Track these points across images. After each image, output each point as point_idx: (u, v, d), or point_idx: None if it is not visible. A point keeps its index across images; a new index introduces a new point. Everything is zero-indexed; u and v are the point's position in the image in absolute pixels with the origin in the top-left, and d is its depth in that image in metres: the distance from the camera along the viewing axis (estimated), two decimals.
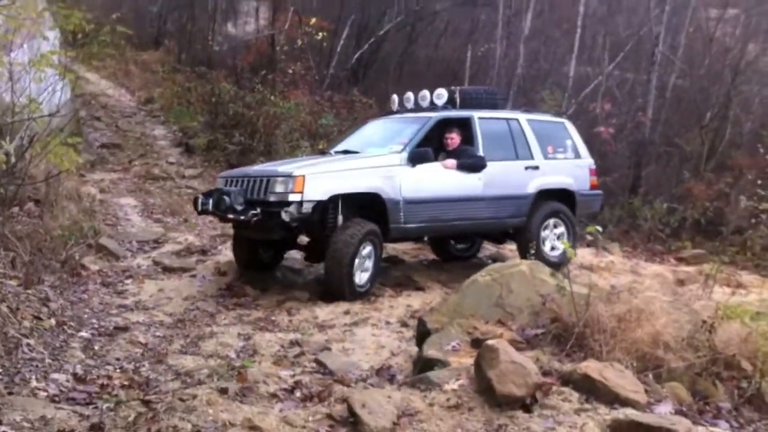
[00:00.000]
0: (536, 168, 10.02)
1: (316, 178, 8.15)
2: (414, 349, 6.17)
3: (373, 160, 8.88)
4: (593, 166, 10.85)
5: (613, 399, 4.55)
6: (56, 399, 4.84)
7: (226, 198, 8.23)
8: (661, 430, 4.03)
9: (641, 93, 20.34)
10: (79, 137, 14.47)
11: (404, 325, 7.27)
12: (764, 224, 13.24)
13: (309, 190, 8.00)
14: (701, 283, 8.98)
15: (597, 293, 5.79)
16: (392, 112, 10.63)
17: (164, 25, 28.15)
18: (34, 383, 5.02)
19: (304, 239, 9.17)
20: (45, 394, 4.89)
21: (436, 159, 9.08)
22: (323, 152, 10.82)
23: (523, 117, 10.35)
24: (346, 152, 9.58)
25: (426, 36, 26.48)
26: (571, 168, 10.48)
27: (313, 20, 20.61)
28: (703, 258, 12.66)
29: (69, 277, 8.30)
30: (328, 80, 22.34)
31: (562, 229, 10.14)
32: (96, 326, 6.92)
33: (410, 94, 10.26)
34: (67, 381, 5.23)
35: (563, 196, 10.27)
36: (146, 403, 4.65)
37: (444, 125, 9.61)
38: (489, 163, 9.44)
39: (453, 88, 10.09)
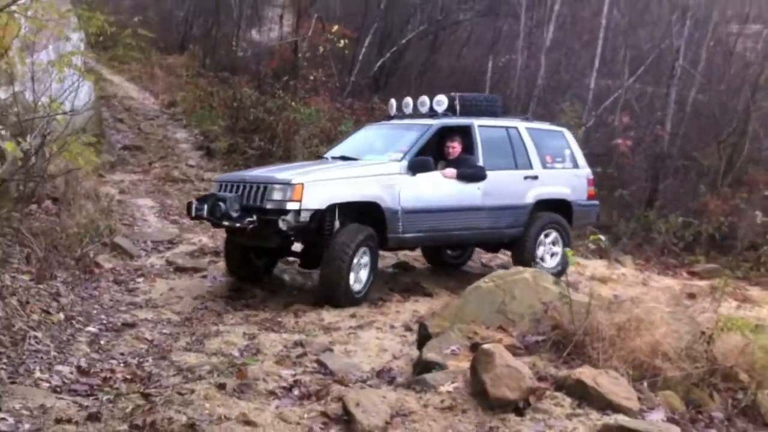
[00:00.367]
0: (535, 178, 9.90)
1: (315, 186, 8.00)
2: (416, 353, 6.22)
3: (372, 168, 8.74)
4: (591, 176, 10.70)
5: (605, 405, 4.57)
6: (58, 390, 4.95)
7: (222, 204, 8.04)
8: None
9: (660, 106, 20.29)
10: (101, 138, 14.73)
11: (408, 329, 7.30)
12: None
13: (307, 198, 7.85)
14: (710, 297, 8.95)
15: (599, 302, 5.82)
16: (390, 117, 10.51)
17: (190, 30, 28.40)
18: (37, 374, 5.13)
19: (298, 246, 8.92)
20: (47, 385, 5.00)
21: (435, 167, 8.95)
22: (320, 157, 10.56)
23: (522, 125, 10.21)
24: (343, 158, 9.41)
25: (448, 45, 26.52)
26: (569, 178, 10.36)
27: (336, 27, 20.71)
28: (716, 273, 12.63)
29: (82, 274, 8.43)
30: (349, 87, 22.45)
31: (557, 240, 10.02)
32: (104, 322, 7.04)
33: (409, 100, 10.13)
34: (71, 373, 5.34)
35: (560, 206, 10.17)
36: (146, 396, 4.74)
37: (443, 132, 9.47)
38: (488, 173, 9.33)
39: (453, 94, 9.91)
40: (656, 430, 4.13)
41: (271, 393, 5.05)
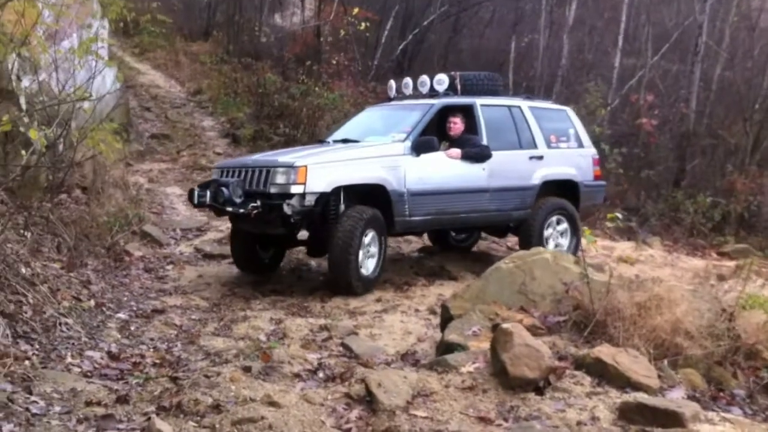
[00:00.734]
0: (540, 158, 9.73)
1: (319, 169, 7.84)
2: (440, 336, 6.27)
3: (376, 150, 8.56)
4: (596, 156, 10.54)
5: (624, 383, 4.62)
6: (89, 374, 5.07)
7: (225, 190, 7.85)
8: (668, 413, 4.09)
9: (685, 85, 20.11)
10: (128, 127, 14.88)
11: (433, 312, 7.36)
12: None
13: (312, 181, 7.68)
14: (738, 277, 8.90)
15: (620, 282, 5.84)
16: (390, 99, 10.35)
17: (213, 16, 28.55)
18: (69, 359, 5.26)
19: (304, 234, 8.45)
20: (78, 370, 5.12)
21: (439, 147, 8.82)
22: (321, 141, 10.24)
23: (525, 104, 9.99)
24: (345, 141, 9.23)
25: (470, 26, 26.52)
26: (574, 158, 10.16)
27: (356, 10, 20.71)
28: (745, 253, 12.53)
29: (112, 262, 8.57)
30: (373, 71, 22.52)
31: (565, 225, 9.84)
32: (134, 309, 7.19)
33: (409, 80, 9.96)
34: (101, 358, 5.46)
35: (567, 187, 10.00)
36: (174, 379, 4.86)
37: (445, 112, 9.28)
38: (493, 153, 9.15)
39: (453, 73, 9.76)
40: (673, 406, 4.15)
41: (296, 375, 5.14)
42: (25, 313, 5.67)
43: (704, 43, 19.14)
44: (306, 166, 7.72)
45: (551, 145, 9.93)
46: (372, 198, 8.27)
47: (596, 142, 16.30)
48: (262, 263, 9.09)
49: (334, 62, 20.45)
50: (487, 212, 9.30)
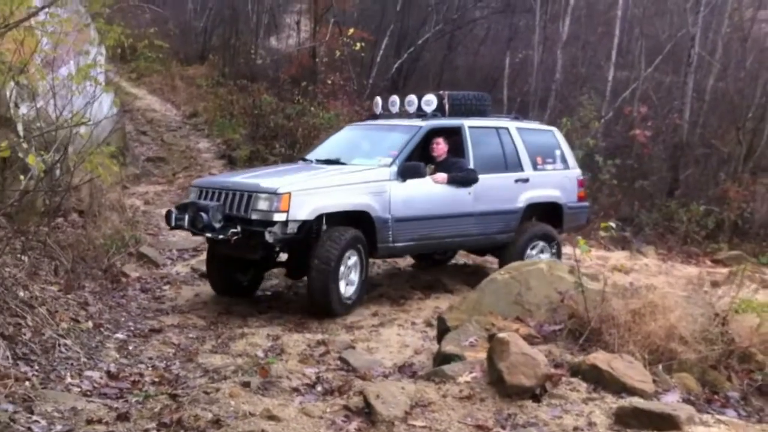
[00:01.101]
0: (526, 180, 9.57)
1: (303, 195, 7.56)
2: (437, 348, 6.31)
3: (362, 175, 8.28)
4: (581, 177, 10.41)
5: (620, 388, 4.67)
6: (88, 393, 5.11)
7: (203, 215, 7.55)
8: (663, 416, 4.14)
9: (678, 96, 20.23)
10: (124, 151, 14.95)
11: (429, 325, 7.42)
12: None
13: (295, 208, 7.42)
14: (730, 283, 8.95)
15: (614, 290, 5.90)
16: (375, 117, 10.10)
17: (209, 40, 28.69)
18: (68, 380, 5.30)
19: (283, 255, 8.42)
20: (78, 389, 5.16)
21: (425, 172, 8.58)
22: (303, 159, 9.64)
23: (512, 125, 9.82)
24: (328, 161, 8.97)
25: (465, 44, 26.65)
26: (559, 180, 10.01)
27: (351, 31, 20.84)
28: (739, 259, 12.62)
29: (109, 284, 8.58)
30: (368, 90, 22.57)
31: (546, 248, 9.67)
32: (132, 328, 7.20)
33: (395, 98, 9.74)
34: (101, 378, 5.50)
35: (551, 208, 9.91)
36: (173, 396, 4.90)
37: (432, 134, 9.05)
38: (480, 176, 8.95)
39: (442, 93, 9.54)
40: (668, 410, 4.20)
41: (295, 390, 5.19)
42: (25, 334, 5.71)
43: (697, 54, 19.27)
44: (290, 194, 7.46)
45: (537, 167, 9.79)
46: (355, 222, 8.06)
47: (590, 154, 16.49)
48: (240, 287, 8.83)
49: (330, 82, 20.47)
50: (471, 236, 9.18)
